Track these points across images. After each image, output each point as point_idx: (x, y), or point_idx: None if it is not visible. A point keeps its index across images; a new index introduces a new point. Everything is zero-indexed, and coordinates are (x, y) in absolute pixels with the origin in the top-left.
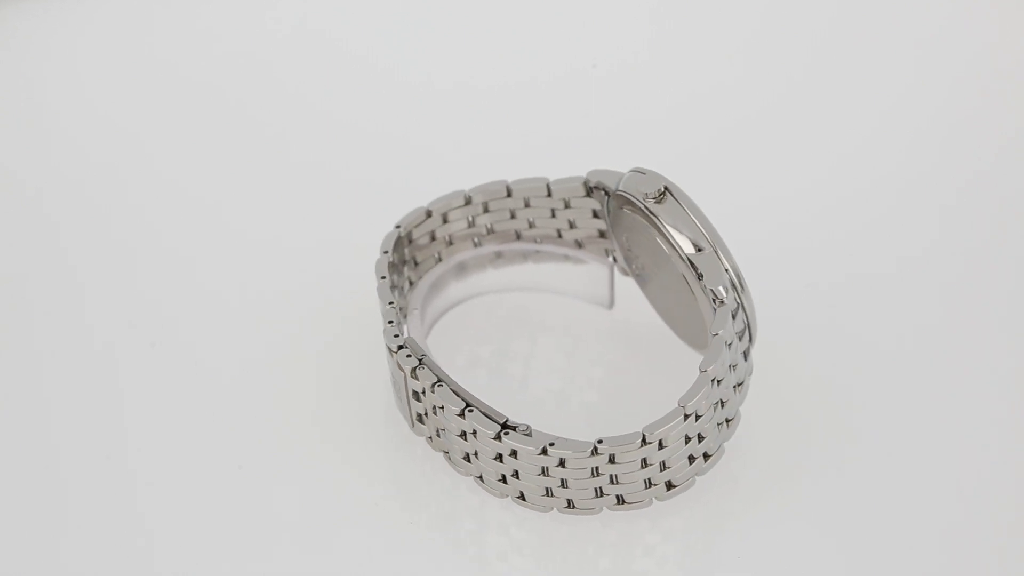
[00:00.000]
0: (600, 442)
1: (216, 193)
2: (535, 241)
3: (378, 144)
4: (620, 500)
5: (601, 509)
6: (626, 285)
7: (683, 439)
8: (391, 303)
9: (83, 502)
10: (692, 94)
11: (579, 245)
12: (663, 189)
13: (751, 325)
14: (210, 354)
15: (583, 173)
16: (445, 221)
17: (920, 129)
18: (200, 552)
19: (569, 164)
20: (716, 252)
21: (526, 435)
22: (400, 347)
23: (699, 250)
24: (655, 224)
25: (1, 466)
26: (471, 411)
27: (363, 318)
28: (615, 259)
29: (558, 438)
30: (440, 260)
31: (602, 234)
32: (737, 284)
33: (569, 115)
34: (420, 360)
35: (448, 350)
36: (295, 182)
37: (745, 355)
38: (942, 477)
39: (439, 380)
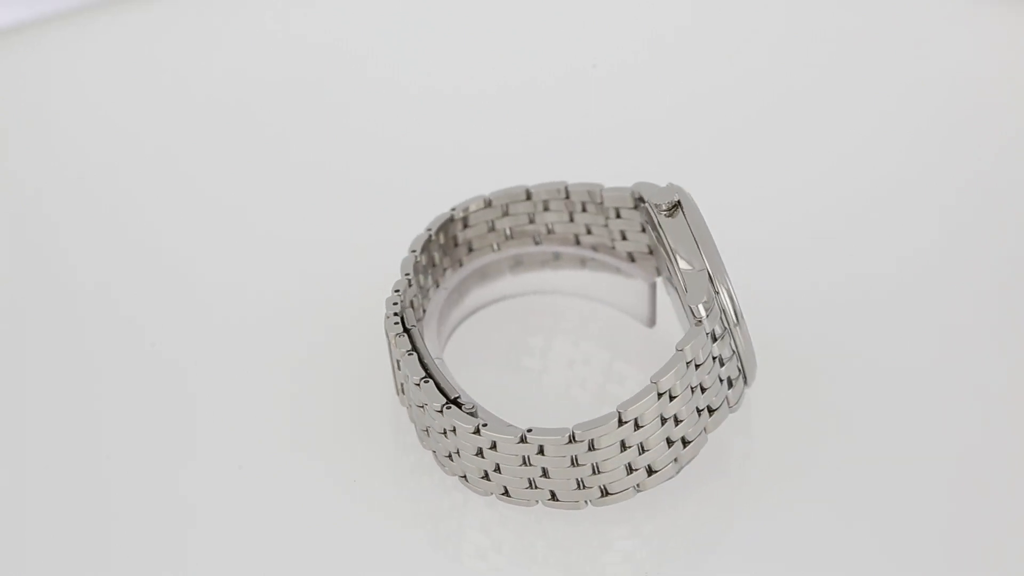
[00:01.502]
0: (529, 431)
1: (216, 193)
2: (593, 249)
3: (379, 145)
4: (553, 496)
5: (536, 503)
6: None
7: (618, 445)
8: (407, 275)
9: (82, 502)
10: (692, 94)
11: (631, 259)
12: (675, 202)
13: (744, 360)
14: (210, 353)
15: (588, 175)
16: (506, 214)
17: (920, 129)
18: (198, 552)
19: (572, 165)
20: (710, 275)
21: (469, 413)
22: (395, 313)
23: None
24: (660, 237)
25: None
26: (427, 381)
27: (364, 318)
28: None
29: (496, 420)
30: (497, 250)
31: (652, 250)
32: (732, 315)
33: (569, 115)
34: (406, 329)
35: (489, 341)
36: (296, 183)
37: (730, 383)
38: (942, 476)
39: (411, 349)
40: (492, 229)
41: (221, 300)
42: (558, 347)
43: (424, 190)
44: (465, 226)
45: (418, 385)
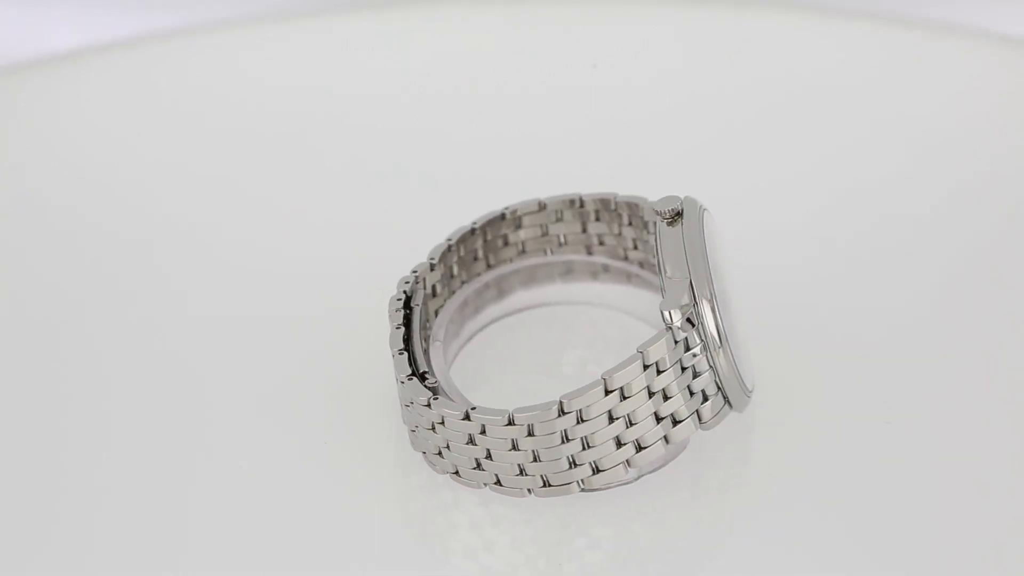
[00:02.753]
0: (473, 408)
1: (226, 200)
2: (640, 265)
3: (386, 151)
4: (498, 481)
5: (483, 486)
6: None
7: (559, 436)
8: (431, 259)
9: (80, 500)
10: (692, 95)
11: None
12: (678, 211)
13: (724, 383)
14: (212, 354)
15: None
16: (559, 219)
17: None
18: (198, 548)
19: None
20: (692, 289)
21: (428, 387)
22: (403, 292)
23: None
24: (655, 244)
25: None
26: (401, 354)
27: (366, 319)
28: None
29: (454, 396)
30: (550, 255)
31: None
32: (712, 331)
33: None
34: (407, 308)
35: (531, 345)
36: (308, 194)
37: (704, 396)
38: (943, 478)
39: (400, 324)
40: (545, 234)
41: (223, 300)
42: (598, 359)
43: (429, 192)
44: (518, 227)
45: (394, 356)
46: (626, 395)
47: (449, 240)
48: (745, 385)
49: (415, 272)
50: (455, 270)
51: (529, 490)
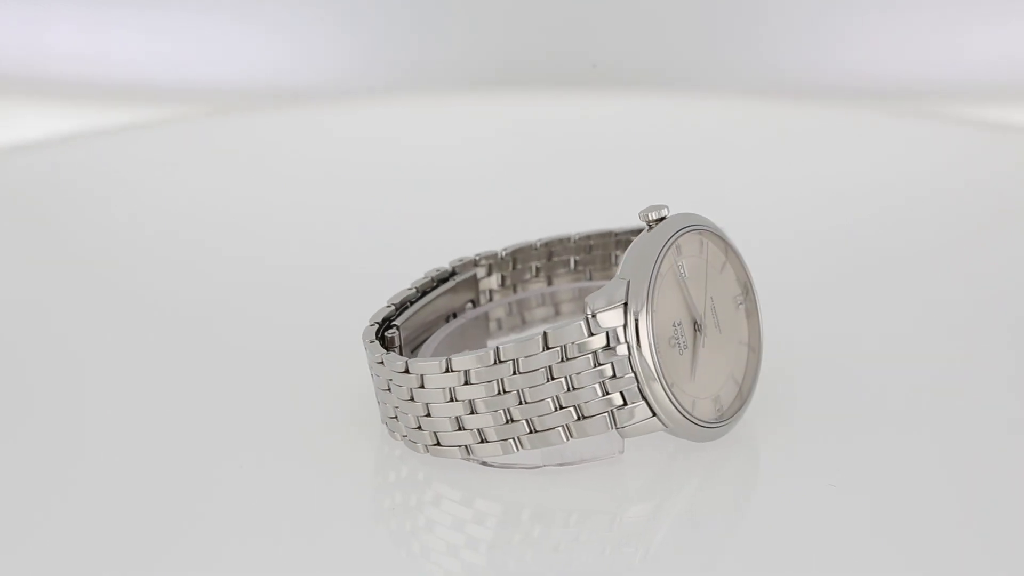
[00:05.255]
0: (388, 353)
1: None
2: None
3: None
4: (407, 435)
5: (398, 437)
6: None
7: (447, 392)
8: (503, 251)
9: (80, 500)
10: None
11: None
12: (660, 218)
13: (656, 409)
14: (216, 356)
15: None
16: (550, 259)
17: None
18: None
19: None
20: (626, 293)
21: (381, 339)
22: (453, 268)
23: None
24: None
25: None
26: (388, 307)
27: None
28: None
29: (390, 350)
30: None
31: None
32: (640, 361)
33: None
34: (440, 282)
35: None
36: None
37: (624, 399)
38: (944, 481)
39: (416, 288)
40: (536, 275)
41: (225, 303)
42: None
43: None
44: (513, 267)
45: (366, 346)
46: (521, 370)
47: (539, 239)
48: (690, 414)
49: (477, 255)
50: (536, 271)
51: (426, 447)
